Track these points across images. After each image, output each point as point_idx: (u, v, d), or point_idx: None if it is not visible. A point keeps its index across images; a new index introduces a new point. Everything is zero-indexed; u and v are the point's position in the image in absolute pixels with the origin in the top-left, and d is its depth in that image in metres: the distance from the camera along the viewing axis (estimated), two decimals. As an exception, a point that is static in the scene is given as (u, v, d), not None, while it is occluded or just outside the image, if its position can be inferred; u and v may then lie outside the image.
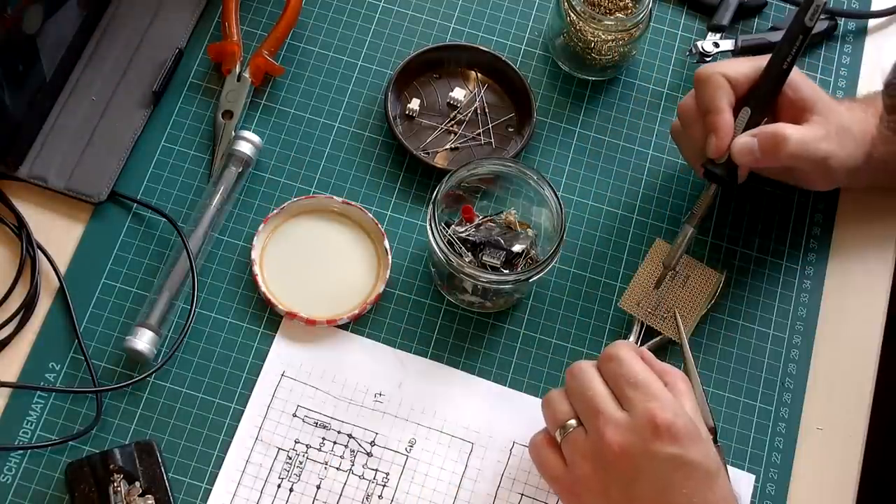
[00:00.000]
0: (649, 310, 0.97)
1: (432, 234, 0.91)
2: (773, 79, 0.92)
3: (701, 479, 0.80)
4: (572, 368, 0.85)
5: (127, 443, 0.90)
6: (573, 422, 0.83)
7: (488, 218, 0.98)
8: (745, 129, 0.92)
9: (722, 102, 0.92)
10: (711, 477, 0.80)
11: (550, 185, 0.93)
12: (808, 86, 0.94)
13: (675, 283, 0.98)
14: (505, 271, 0.94)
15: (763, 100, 0.93)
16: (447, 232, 0.95)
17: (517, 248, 0.96)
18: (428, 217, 0.91)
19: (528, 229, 0.97)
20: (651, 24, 1.05)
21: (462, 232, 0.96)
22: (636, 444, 0.79)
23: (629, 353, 0.83)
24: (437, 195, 0.91)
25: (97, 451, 0.89)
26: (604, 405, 0.81)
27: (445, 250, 0.90)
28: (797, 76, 0.94)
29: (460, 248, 0.95)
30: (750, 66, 0.93)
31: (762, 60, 0.94)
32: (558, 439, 0.84)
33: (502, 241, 0.96)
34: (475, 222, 0.97)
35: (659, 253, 0.98)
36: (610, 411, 0.81)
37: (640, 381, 0.81)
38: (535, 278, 0.91)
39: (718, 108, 0.92)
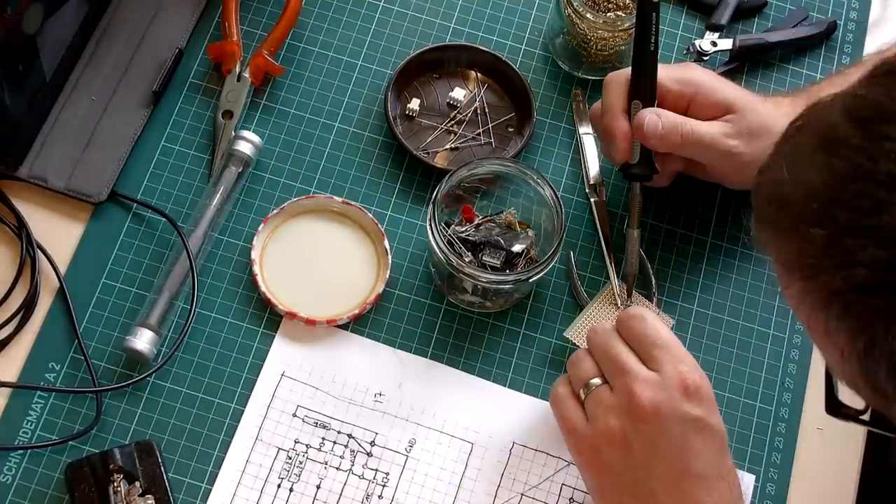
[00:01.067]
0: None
1: (432, 234, 0.91)
2: (647, 64, 0.93)
3: (718, 444, 0.82)
4: (594, 328, 0.87)
5: (127, 443, 0.90)
6: (598, 380, 0.84)
7: (488, 218, 0.98)
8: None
9: (616, 105, 0.93)
10: (725, 444, 0.83)
11: (550, 185, 0.93)
12: (724, 89, 0.94)
13: None
14: (505, 271, 0.94)
15: (646, 88, 0.93)
16: (447, 232, 0.95)
17: (517, 248, 0.96)
18: (428, 217, 0.91)
19: (528, 229, 0.97)
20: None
21: (462, 232, 0.96)
22: (666, 403, 0.81)
23: (651, 314, 0.85)
24: (437, 195, 0.91)
25: (97, 451, 0.89)
26: (631, 363, 0.83)
27: (445, 250, 0.90)
28: (711, 80, 0.94)
29: (460, 248, 0.95)
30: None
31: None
32: (582, 396, 0.85)
33: (502, 241, 0.96)
34: (475, 222, 0.97)
35: (612, 295, 0.98)
36: (638, 369, 0.82)
37: (667, 342, 0.84)
38: (534, 278, 0.91)
39: (612, 111, 0.93)
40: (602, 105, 0.95)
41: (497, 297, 0.96)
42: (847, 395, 0.68)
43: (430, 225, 0.91)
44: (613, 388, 0.83)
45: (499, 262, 0.95)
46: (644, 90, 0.93)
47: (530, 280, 0.91)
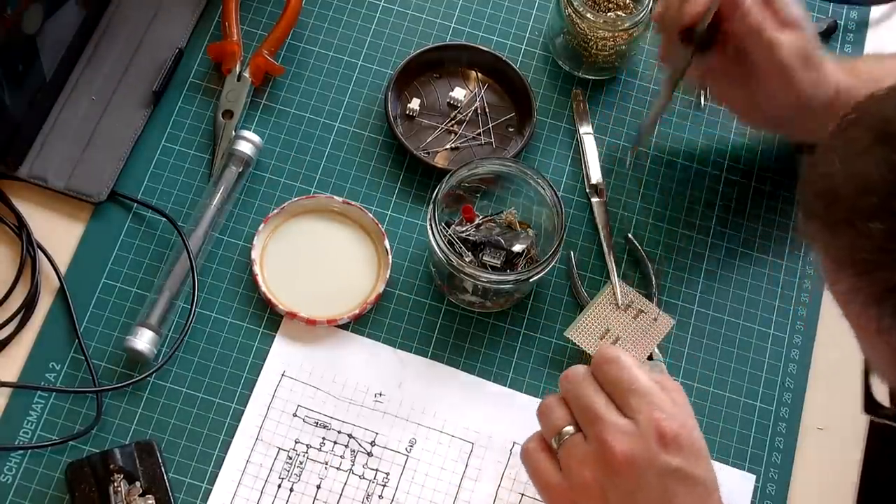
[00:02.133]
0: (595, 339, 0.96)
1: (432, 233, 0.91)
2: None
3: (701, 494, 0.78)
4: (566, 373, 0.82)
5: (127, 443, 0.90)
6: (570, 428, 0.79)
7: (488, 218, 0.98)
8: None
9: None
10: (710, 493, 0.78)
11: (551, 185, 0.93)
12: (795, 5, 0.92)
13: (627, 315, 0.97)
14: (505, 271, 0.94)
15: None
16: (447, 232, 0.95)
17: (517, 248, 0.96)
18: (428, 217, 0.91)
19: (529, 229, 0.97)
20: (651, 24, 1.04)
21: (462, 232, 0.96)
22: (641, 454, 0.76)
23: (628, 358, 0.80)
24: (437, 195, 0.91)
25: (97, 451, 0.89)
26: (605, 411, 0.78)
27: (446, 250, 0.90)
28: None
29: (460, 247, 0.95)
30: None
31: None
32: (554, 446, 0.80)
33: (502, 240, 0.96)
34: (475, 222, 0.97)
35: (612, 295, 0.98)
36: (612, 418, 0.77)
37: (643, 388, 0.78)
38: (535, 278, 0.91)
39: None
40: None
41: (497, 297, 0.96)
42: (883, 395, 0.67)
43: (431, 225, 0.91)
44: (587, 437, 0.78)
45: (499, 262, 0.95)
46: None
47: (530, 280, 0.91)
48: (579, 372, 0.81)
